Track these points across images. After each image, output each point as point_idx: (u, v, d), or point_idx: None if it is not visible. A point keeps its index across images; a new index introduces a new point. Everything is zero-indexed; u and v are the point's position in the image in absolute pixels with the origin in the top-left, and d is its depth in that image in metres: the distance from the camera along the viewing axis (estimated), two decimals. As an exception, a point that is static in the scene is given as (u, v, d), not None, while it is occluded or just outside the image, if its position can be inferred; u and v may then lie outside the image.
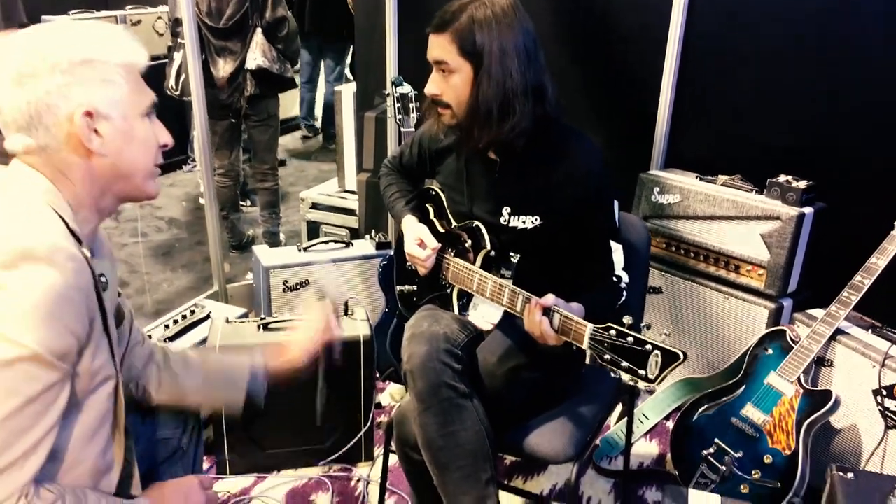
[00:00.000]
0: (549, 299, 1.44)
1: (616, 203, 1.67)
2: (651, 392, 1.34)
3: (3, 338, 0.96)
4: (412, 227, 1.80)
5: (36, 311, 0.98)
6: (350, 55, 5.68)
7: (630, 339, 1.30)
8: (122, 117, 1.12)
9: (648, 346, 1.28)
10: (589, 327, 1.36)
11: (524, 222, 1.63)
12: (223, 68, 3.45)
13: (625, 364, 1.30)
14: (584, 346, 1.36)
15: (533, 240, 1.64)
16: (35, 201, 1.07)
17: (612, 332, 1.32)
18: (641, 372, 1.28)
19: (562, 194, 1.58)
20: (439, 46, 1.53)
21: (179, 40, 3.37)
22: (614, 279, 1.64)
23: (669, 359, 1.26)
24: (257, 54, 3.48)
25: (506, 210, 1.65)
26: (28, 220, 1.04)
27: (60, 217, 1.07)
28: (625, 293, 1.65)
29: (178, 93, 3.50)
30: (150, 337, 1.50)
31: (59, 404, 1.03)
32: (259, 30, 3.47)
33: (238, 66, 3.46)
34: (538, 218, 1.62)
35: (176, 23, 3.39)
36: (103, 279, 1.17)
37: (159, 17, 4.96)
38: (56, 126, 1.07)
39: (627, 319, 1.33)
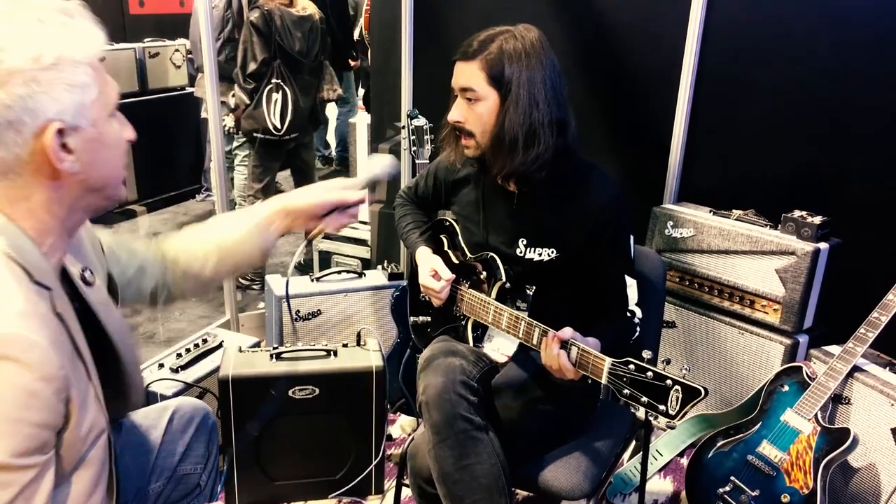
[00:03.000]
0: (567, 332, 1.43)
1: (631, 237, 1.67)
2: (672, 427, 1.32)
3: None
4: (426, 259, 1.80)
5: None
6: (350, 81, 6.07)
7: (650, 373, 1.28)
8: (91, 124, 0.96)
9: (668, 382, 1.26)
10: (608, 361, 1.34)
11: (540, 255, 1.63)
12: (305, 102, 3.60)
13: (645, 399, 1.28)
14: (603, 380, 1.35)
15: (549, 273, 1.64)
16: None
17: (632, 367, 1.30)
18: (661, 408, 1.26)
19: (579, 228, 1.59)
20: (467, 73, 1.54)
21: (275, 80, 3.44)
22: (628, 314, 1.63)
23: (690, 395, 1.24)
24: (336, 85, 3.73)
25: (522, 242, 1.65)
26: None
27: (22, 268, 0.93)
28: (638, 329, 1.64)
29: (282, 132, 3.52)
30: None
31: (42, 495, 0.92)
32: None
33: (313, 98, 3.65)
34: (554, 251, 1.62)
35: (264, 63, 3.41)
36: (87, 273, 1.09)
37: (176, 50, 5.05)
38: (19, 146, 0.91)
39: (647, 354, 1.31)
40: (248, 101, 3.46)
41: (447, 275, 1.73)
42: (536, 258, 1.64)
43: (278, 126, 3.50)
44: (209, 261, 1.37)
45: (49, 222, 0.98)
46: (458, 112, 1.58)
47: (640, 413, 1.30)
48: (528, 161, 1.54)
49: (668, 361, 1.31)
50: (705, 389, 1.24)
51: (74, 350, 0.98)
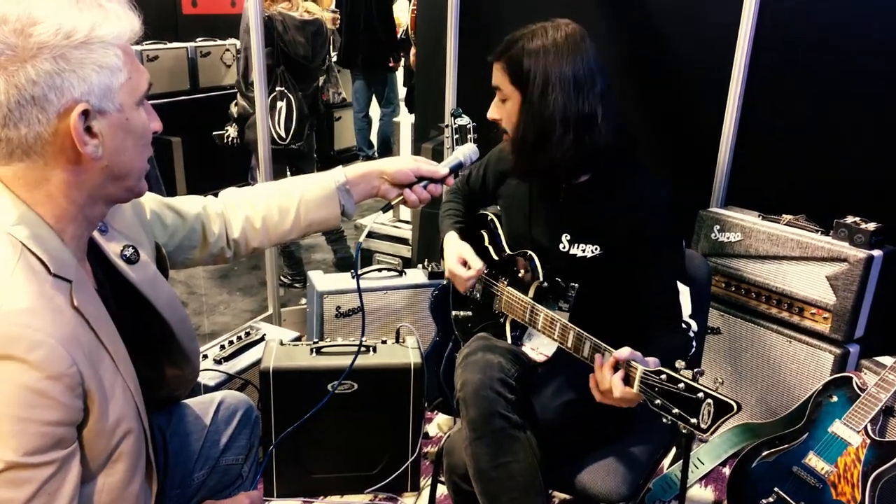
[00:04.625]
0: (624, 352, 1.33)
1: (683, 242, 1.62)
2: (703, 441, 1.29)
3: None
4: (454, 244, 1.80)
5: (2, 420, 0.85)
6: (394, 81, 6.18)
7: (682, 384, 1.24)
8: (117, 110, 0.94)
9: (701, 395, 1.22)
10: (639, 370, 1.31)
11: (583, 251, 1.61)
12: (309, 107, 3.55)
13: (675, 411, 1.24)
14: (635, 388, 1.31)
15: (592, 270, 1.61)
16: (0, 251, 0.89)
17: (664, 377, 1.26)
18: (693, 420, 1.22)
19: (624, 224, 1.56)
20: (496, 73, 1.58)
21: (279, 87, 3.39)
22: (683, 325, 1.57)
23: (722, 409, 1.20)
24: (340, 87, 3.67)
25: (565, 237, 1.64)
26: None
27: (40, 261, 0.91)
28: (695, 343, 1.58)
29: (286, 142, 3.44)
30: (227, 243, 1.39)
31: (67, 487, 0.92)
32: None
33: (315, 101, 3.60)
34: (598, 248, 1.60)
35: (267, 70, 3.30)
36: (128, 251, 1.09)
37: (227, 50, 5.16)
38: (42, 124, 0.88)
39: (680, 364, 1.28)
40: (252, 111, 3.32)
41: (476, 264, 1.72)
42: (580, 254, 1.62)
43: (283, 135, 3.41)
44: (289, 214, 1.39)
45: (68, 209, 0.95)
46: (494, 110, 1.62)
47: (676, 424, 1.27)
48: (542, 161, 1.54)
49: (701, 373, 1.27)
50: (738, 404, 1.20)
51: (97, 342, 0.97)
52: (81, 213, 0.97)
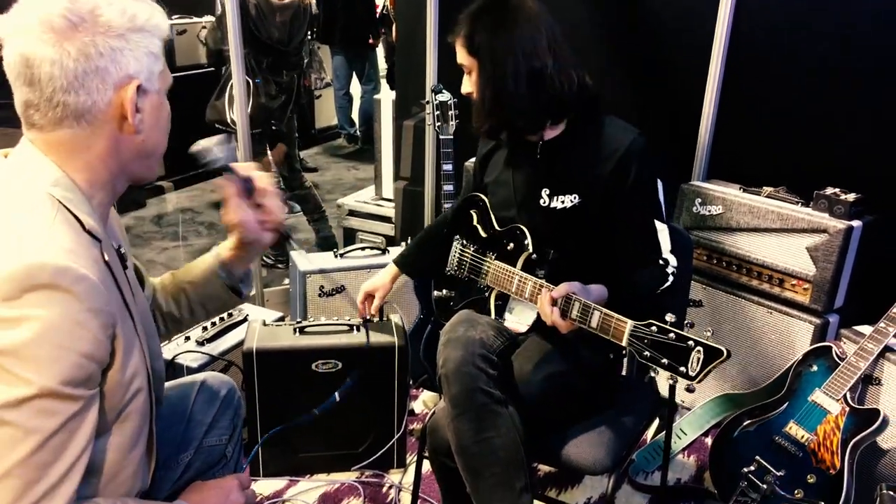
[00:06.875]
0: (562, 289, 1.46)
1: (660, 182, 1.66)
2: (691, 391, 1.32)
3: (12, 376, 0.88)
4: (374, 281, 2.08)
5: (45, 345, 0.90)
6: (375, 58, 6.11)
7: (672, 335, 1.27)
8: (157, 93, 1.06)
9: (690, 343, 1.25)
10: (629, 324, 1.34)
11: (563, 202, 1.65)
12: (283, 92, 3.51)
13: (665, 361, 1.27)
14: (624, 342, 1.34)
15: (572, 220, 1.64)
16: (41, 205, 0.96)
17: (654, 329, 1.30)
18: (682, 369, 1.25)
19: (601, 171, 1.59)
20: (458, 50, 1.66)
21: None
22: (660, 262, 1.61)
23: (712, 355, 1.23)
24: (324, 73, 3.67)
25: (545, 192, 1.67)
26: (29, 236, 0.92)
27: (74, 216, 0.98)
28: (671, 278, 1.61)
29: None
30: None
31: (86, 430, 0.96)
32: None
33: (296, 86, 3.56)
34: (577, 196, 1.63)
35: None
36: (122, 250, 1.14)
37: (203, 27, 5.07)
38: (100, 93, 0.98)
39: (670, 317, 1.30)
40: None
41: (371, 311, 2.08)
42: (559, 206, 1.65)
43: (236, 120, 3.27)
44: (181, 302, 1.42)
45: (102, 175, 1.04)
46: (464, 85, 1.69)
47: (665, 375, 1.28)
48: (503, 116, 1.62)
49: (691, 325, 1.30)
50: (728, 350, 1.23)
51: (122, 300, 1.04)
52: (111, 181, 1.06)
